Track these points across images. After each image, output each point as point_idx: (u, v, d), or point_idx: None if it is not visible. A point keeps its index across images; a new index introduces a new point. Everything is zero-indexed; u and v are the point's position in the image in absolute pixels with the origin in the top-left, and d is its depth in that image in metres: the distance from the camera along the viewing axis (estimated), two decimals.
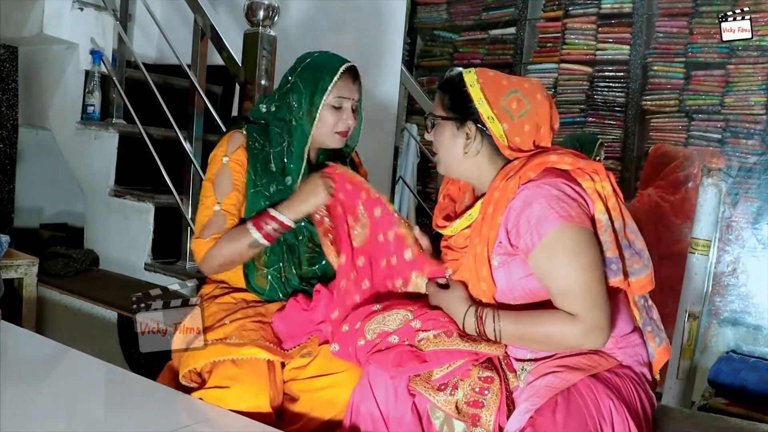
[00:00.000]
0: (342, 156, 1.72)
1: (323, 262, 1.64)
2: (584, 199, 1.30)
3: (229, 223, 1.56)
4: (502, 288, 1.34)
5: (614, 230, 1.32)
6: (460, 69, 1.42)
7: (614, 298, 1.34)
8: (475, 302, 1.37)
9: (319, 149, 1.68)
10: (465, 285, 1.40)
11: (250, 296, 1.63)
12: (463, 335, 1.33)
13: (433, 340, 1.32)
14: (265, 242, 1.54)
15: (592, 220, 1.30)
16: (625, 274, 1.31)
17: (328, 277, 1.62)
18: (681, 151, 3.16)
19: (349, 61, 1.60)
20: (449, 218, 1.46)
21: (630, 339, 1.35)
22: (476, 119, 1.36)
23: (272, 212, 1.54)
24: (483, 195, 1.39)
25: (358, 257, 1.55)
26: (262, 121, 1.65)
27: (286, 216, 1.53)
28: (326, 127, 1.59)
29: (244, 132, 1.63)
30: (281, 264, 1.61)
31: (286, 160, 1.60)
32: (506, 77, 1.40)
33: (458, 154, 1.39)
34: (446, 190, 1.54)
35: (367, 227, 1.56)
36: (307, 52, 1.66)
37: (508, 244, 1.31)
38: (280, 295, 1.62)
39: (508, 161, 1.37)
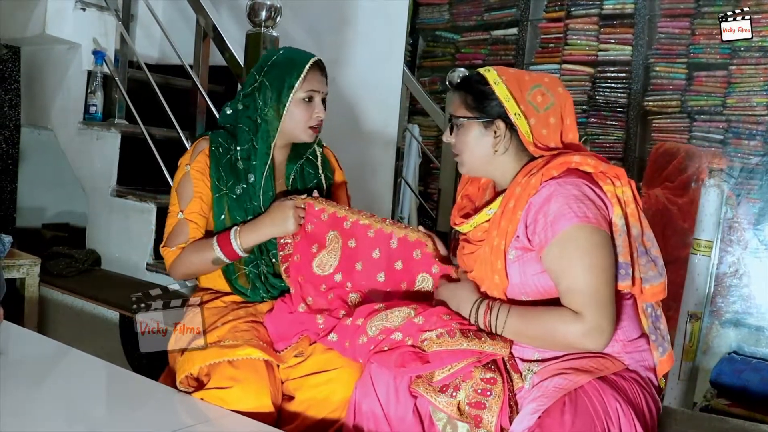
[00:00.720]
0: (309, 148, 1.71)
1: None
2: (603, 202, 1.31)
3: (192, 231, 1.58)
4: (515, 283, 1.34)
5: (629, 236, 1.32)
6: (463, 69, 1.42)
7: (625, 303, 1.35)
8: (484, 296, 1.38)
9: (290, 144, 1.68)
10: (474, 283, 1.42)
11: (239, 299, 1.64)
12: (466, 334, 1.33)
13: (436, 340, 1.32)
14: (228, 260, 1.56)
15: (610, 223, 1.31)
16: (634, 281, 1.31)
17: None
18: (683, 148, 3.13)
19: (315, 56, 1.61)
20: (468, 216, 1.46)
21: (637, 344, 1.35)
22: (504, 117, 1.36)
23: (231, 235, 1.54)
24: (503, 191, 1.39)
25: (321, 285, 1.56)
26: (228, 125, 1.65)
27: (243, 241, 1.54)
28: (299, 122, 1.59)
29: (209, 138, 1.63)
30: (257, 261, 1.62)
31: (251, 158, 1.60)
32: (527, 73, 1.40)
33: (486, 154, 1.39)
34: (465, 191, 1.54)
35: (338, 252, 1.56)
36: (271, 49, 1.65)
37: (525, 239, 1.32)
38: (263, 295, 1.62)
39: (532, 158, 1.37)
